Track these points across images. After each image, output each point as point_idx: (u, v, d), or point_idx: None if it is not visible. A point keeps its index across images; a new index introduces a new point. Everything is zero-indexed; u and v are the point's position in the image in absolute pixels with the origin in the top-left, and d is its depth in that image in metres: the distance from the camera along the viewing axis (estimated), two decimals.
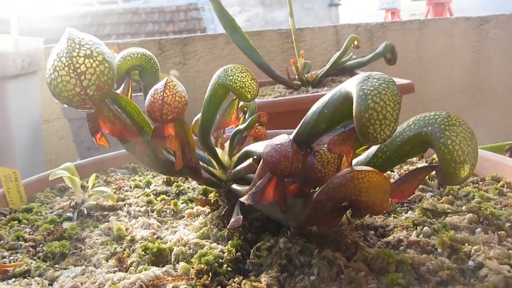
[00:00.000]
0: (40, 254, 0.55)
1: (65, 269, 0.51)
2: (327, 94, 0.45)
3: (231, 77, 0.49)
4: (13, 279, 0.50)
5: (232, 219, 0.51)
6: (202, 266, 0.45)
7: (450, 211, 0.57)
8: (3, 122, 1.13)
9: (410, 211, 0.58)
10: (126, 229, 0.59)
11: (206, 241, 0.53)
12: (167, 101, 0.45)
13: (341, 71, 1.64)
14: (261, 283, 0.43)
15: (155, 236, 0.56)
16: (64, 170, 0.67)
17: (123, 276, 0.46)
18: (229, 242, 0.51)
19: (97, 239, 0.58)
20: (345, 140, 0.43)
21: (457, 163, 0.42)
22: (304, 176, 0.47)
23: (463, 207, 0.58)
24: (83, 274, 0.49)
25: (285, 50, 2.06)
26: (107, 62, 0.36)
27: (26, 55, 1.22)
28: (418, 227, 0.52)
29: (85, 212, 0.66)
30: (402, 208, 0.60)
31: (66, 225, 0.62)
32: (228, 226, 0.50)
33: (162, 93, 0.45)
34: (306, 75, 1.51)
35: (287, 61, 1.73)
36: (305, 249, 0.47)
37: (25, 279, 0.49)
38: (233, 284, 0.44)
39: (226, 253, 0.48)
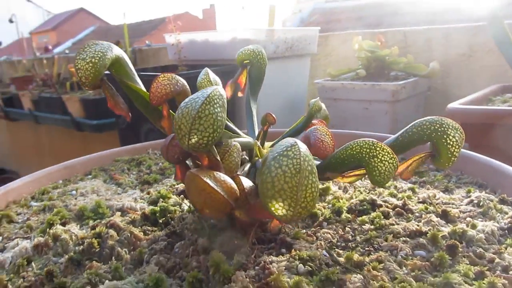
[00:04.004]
0: (142, 179, 0.86)
1: (135, 190, 0.80)
2: None
3: None
4: (114, 184, 0.83)
5: None
6: (147, 212, 0.63)
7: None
8: None
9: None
10: None
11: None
12: (152, 90, 0.62)
13: None
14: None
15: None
16: None
17: (125, 200, 0.69)
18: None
19: (170, 181, 0.83)
20: None
21: (265, 196, 0.40)
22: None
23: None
24: (132, 194, 0.76)
25: None
26: (91, 63, 0.58)
27: (283, 42, 1.53)
28: None
29: None
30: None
31: None
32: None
33: (152, 84, 0.63)
34: None
35: None
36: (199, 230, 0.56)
37: (115, 186, 0.81)
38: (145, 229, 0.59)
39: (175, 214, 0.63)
